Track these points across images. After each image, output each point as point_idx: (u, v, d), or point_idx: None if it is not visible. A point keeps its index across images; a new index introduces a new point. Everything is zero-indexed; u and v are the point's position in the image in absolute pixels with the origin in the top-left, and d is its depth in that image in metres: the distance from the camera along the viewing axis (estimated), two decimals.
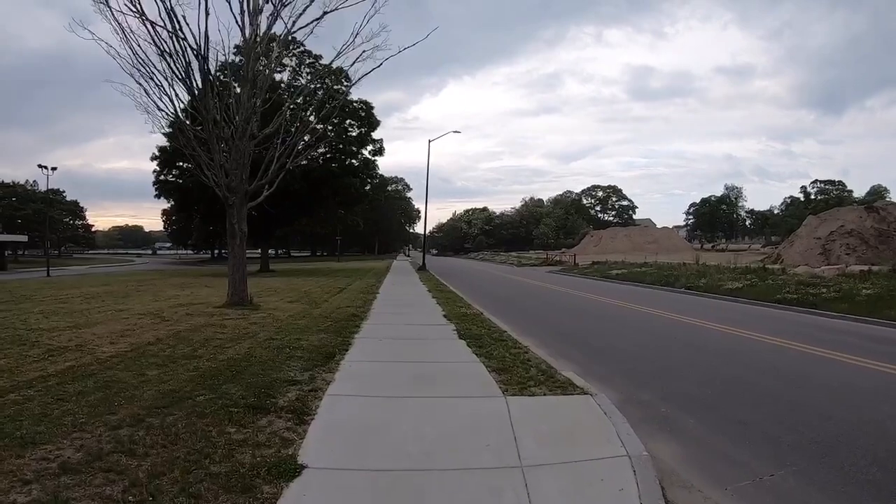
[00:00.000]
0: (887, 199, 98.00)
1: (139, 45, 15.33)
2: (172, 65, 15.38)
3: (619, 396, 7.72)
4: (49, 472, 4.47)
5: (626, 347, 11.95)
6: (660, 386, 8.56)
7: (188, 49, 15.21)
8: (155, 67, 15.65)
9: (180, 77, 15.60)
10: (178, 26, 14.85)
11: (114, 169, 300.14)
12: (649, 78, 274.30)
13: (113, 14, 14.83)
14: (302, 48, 40.56)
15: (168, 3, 14.55)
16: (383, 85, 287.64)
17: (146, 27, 14.87)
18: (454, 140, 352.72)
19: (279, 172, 17.62)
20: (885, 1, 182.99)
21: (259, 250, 51.22)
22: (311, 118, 21.99)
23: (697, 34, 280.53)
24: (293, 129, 19.16)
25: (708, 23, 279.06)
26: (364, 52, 17.53)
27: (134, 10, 14.69)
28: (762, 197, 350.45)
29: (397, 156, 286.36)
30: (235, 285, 16.80)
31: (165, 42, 15.09)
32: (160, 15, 14.77)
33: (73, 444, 5.08)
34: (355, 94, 43.82)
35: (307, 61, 41.19)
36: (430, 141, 46.58)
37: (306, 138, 22.74)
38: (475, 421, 6.17)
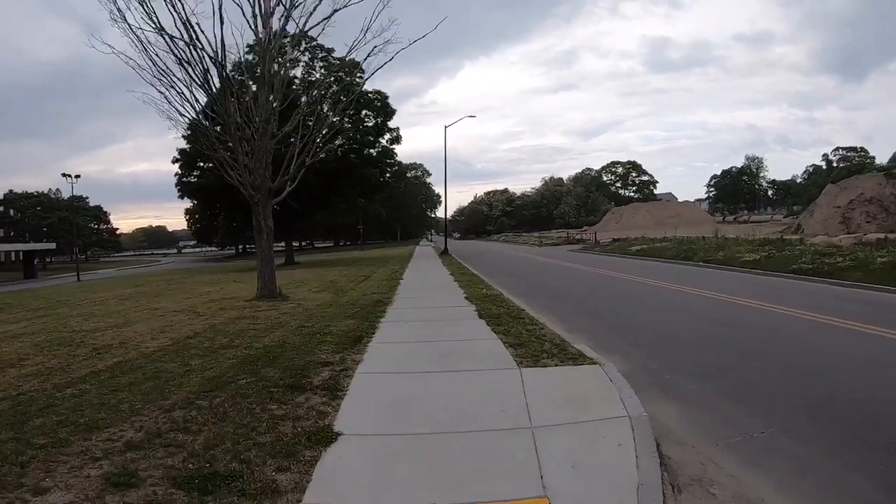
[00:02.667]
0: None
1: (157, 55, 15.97)
2: (192, 72, 16.01)
3: (629, 366, 8.17)
4: (115, 450, 5.03)
5: (640, 320, 12.41)
6: (668, 355, 9.04)
7: (206, 57, 15.82)
8: (175, 76, 16.30)
9: (199, 83, 16.22)
10: (194, 35, 15.46)
11: (134, 172, 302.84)
12: (667, 49, 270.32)
13: (130, 27, 15.46)
14: (314, 43, 41.04)
15: (184, 15, 15.12)
16: (399, 71, 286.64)
17: (164, 39, 15.48)
18: (473, 122, 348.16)
19: (300, 168, 18.21)
20: None
21: (283, 244, 51.91)
22: (329, 113, 22.38)
23: (714, 2, 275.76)
24: (310, 124, 19.68)
25: None
26: (375, 47, 18.05)
27: (152, 24, 15.30)
28: (786, 166, 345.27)
29: (416, 141, 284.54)
30: (265, 279, 17.47)
31: (183, 51, 15.71)
32: (175, 25, 15.37)
33: (133, 426, 5.65)
34: (370, 85, 44.32)
35: (320, 55, 41.60)
36: (446, 127, 46.86)
37: (324, 132, 23.26)
38: (492, 391, 6.70)
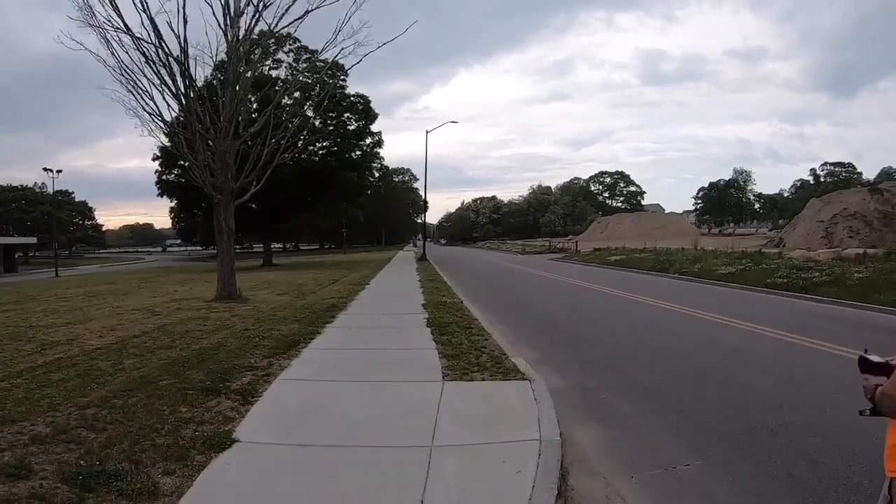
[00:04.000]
0: None
1: (127, 53, 16.16)
2: (157, 71, 16.20)
3: (565, 383, 8.00)
4: (20, 443, 5.16)
5: (594, 333, 12.12)
6: (611, 372, 8.66)
7: (170, 57, 15.99)
8: (143, 74, 16.47)
9: (165, 83, 16.40)
10: (160, 35, 15.68)
11: (125, 168, 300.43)
12: (661, 62, 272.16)
13: (101, 26, 15.65)
14: (298, 44, 41.20)
15: (149, 13, 15.33)
16: (393, 75, 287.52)
17: (131, 37, 15.68)
18: (464, 129, 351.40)
19: (265, 169, 18.36)
20: None
21: (262, 245, 51.96)
22: (299, 113, 22.55)
23: (709, 17, 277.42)
24: (290, 125, 19.89)
25: (719, 6, 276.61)
26: (343, 49, 18.39)
27: (117, 26, 15.52)
28: (774, 180, 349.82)
29: (408, 146, 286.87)
30: (224, 280, 17.60)
31: (148, 50, 15.91)
32: (143, 24, 15.59)
33: (45, 420, 5.77)
34: (353, 88, 44.62)
35: (304, 57, 41.78)
36: (427, 132, 47.39)
37: (304, 133, 23.47)
38: (405, 404, 6.62)
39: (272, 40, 20.12)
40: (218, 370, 7.94)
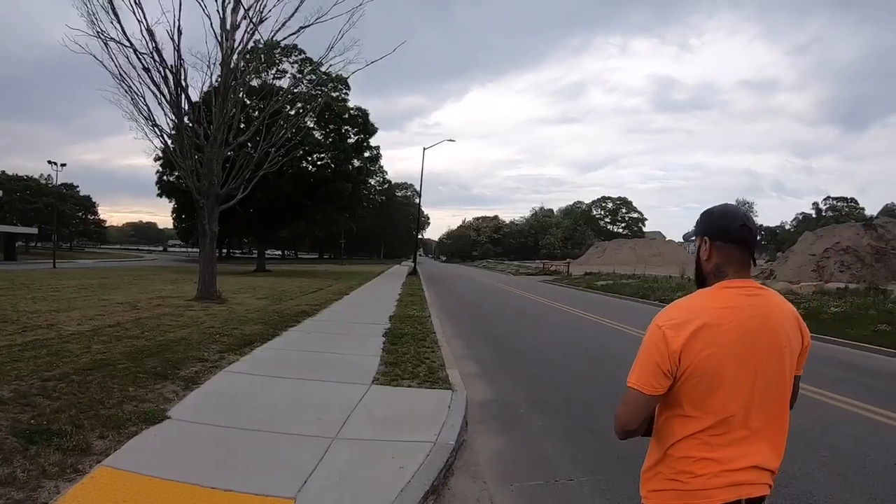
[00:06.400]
0: None
1: (127, 59, 17.23)
2: (152, 79, 17.25)
3: (493, 396, 8.45)
4: None
5: (543, 352, 12.45)
6: (542, 389, 8.97)
7: (165, 69, 17.05)
8: (140, 80, 17.51)
9: (161, 91, 17.40)
10: (157, 46, 16.75)
11: (133, 165, 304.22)
12: (673, 90, 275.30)
13: (99, 36, 16.74)
14: (303, 55, 42.22)
15: (147, 23, 16.43)
16: (406, 89, 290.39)
17: (132, 49, 16.74)
18: (474, 146, 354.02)
19: (252, 177, 19.28)
20: None
21: (256, 252, 52.92)
22: (285, 125, 23.51)
23: (723, 47, 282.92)
24: (280, 135, 20.79)
25: (734, 36, 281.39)
26: (331, 65, 19.66)
27: (115, 38, 16.59)
28: (778, 213, 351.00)
29: (416, 161, 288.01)
30: (205, 281, 18.47)
31: (145, 59, 16.98)
32: (141, 33, 16.67)
33: (10, 388, 6.69)
34: (366, 100, 45.95)
35: (308, 68, 42.78)
36: (424, 149, 48.24)
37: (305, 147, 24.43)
38: (327, 401, 7.22)
39: (277, 51, 21.15)
40: (172, 360, 8.80)
